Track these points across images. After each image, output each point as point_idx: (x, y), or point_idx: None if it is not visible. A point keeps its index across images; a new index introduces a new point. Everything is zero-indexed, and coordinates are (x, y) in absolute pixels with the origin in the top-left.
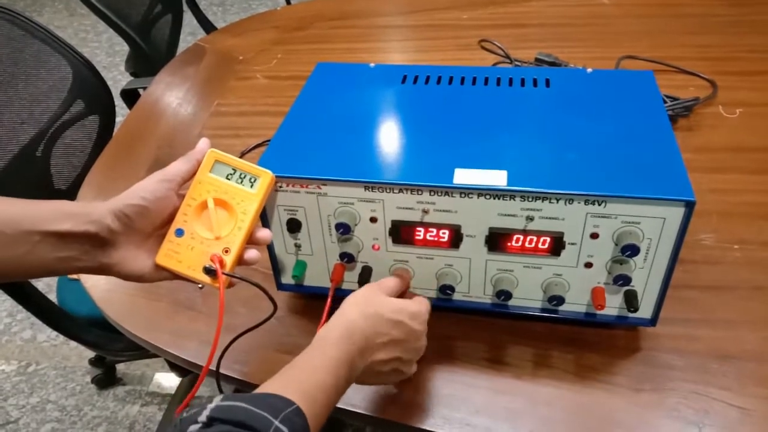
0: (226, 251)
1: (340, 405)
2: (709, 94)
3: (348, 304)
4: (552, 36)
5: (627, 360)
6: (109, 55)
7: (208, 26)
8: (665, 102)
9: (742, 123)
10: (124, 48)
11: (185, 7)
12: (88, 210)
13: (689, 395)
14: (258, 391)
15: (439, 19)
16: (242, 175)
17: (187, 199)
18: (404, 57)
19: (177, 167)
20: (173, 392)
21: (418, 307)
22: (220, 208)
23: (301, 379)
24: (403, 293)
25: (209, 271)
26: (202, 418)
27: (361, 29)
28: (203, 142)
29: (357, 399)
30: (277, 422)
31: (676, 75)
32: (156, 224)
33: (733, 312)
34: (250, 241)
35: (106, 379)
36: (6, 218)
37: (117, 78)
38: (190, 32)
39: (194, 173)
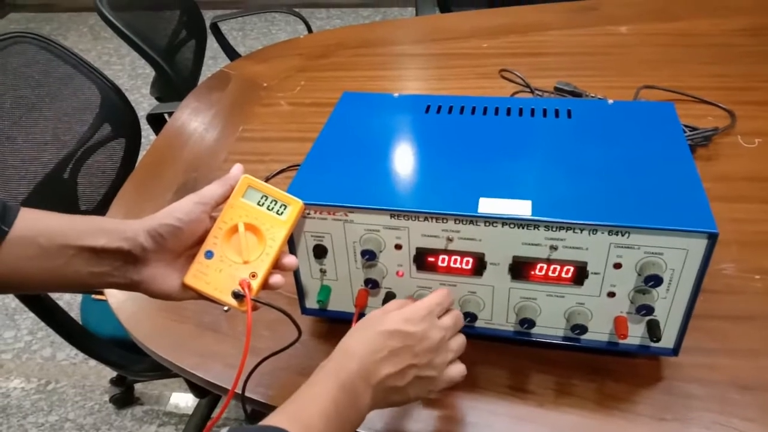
0: (253, 275)
1: (360, 430)
2: (727, 123)
3: (348, 332)
4: (571, 65)
5: (649, 389)
6: (131, 77)
7: (229, 50)
8: (685, 132)
9: (761, 153)
10: (146, 71)
11: (208, 32)
12: (122, 227)
13: (712, 426)
14: (262, 423)
15: (459, 47)
16: (273, 202)
17: (218, 222)
18: (425, 85)
19: (212, 190)
20: (190, 413)
21: (411, 308)
22: (249, 232)
23: (299, 409)
24: None
25: (237, 296)
26: None
27: (383, 57)
28: (237, 168)
29: (378, 424)
30: None
31: (695, 105)
32: (187, 245)
33: (754, 342)
34: (277, 266)
35: (124, 398)
36: (43, 231)
37: (139, 100)
38: (211, 56)
39: (227, 197)
